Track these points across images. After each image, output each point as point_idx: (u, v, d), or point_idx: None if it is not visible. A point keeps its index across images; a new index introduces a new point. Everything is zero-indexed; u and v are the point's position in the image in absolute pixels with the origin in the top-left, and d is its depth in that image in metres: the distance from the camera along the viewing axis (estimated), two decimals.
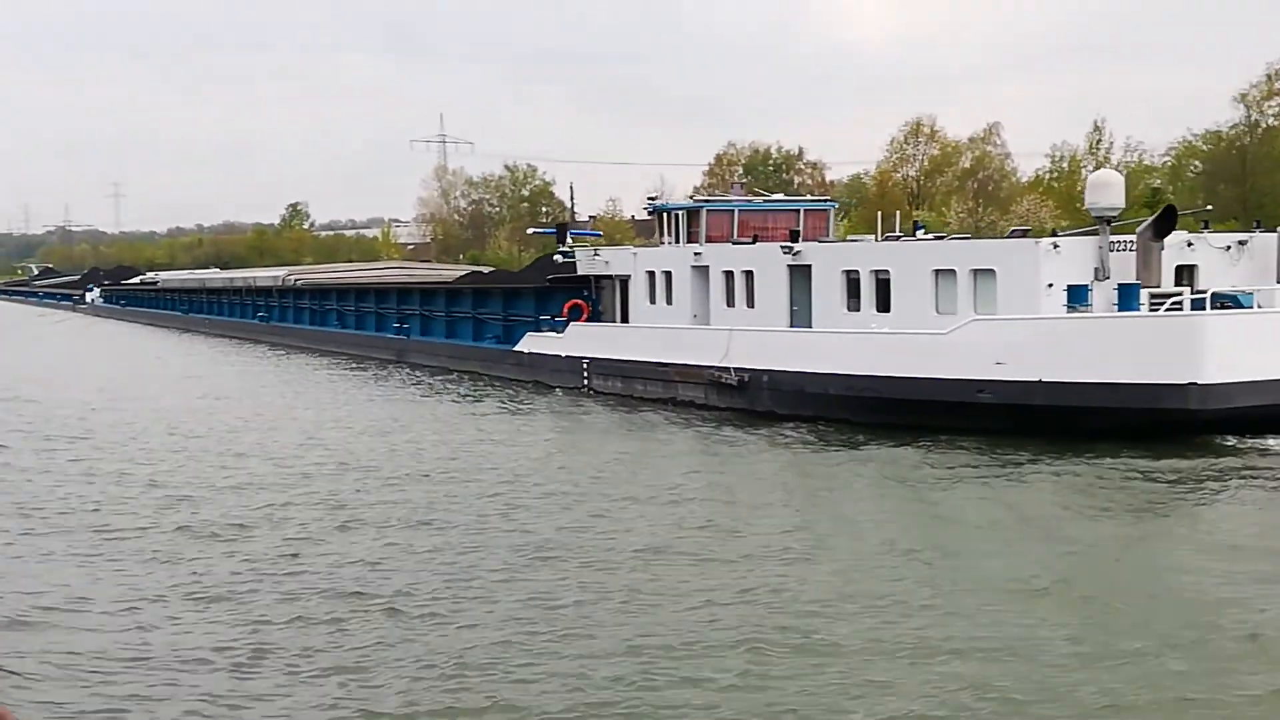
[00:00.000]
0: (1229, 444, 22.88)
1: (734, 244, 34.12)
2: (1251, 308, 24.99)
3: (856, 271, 29.15)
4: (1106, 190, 26.12)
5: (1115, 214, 26.11)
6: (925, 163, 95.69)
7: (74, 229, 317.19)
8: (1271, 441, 22.89)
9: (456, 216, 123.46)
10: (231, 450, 25.89)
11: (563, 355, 37.44)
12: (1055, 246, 25.69)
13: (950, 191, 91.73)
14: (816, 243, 31.56)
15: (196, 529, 18.16)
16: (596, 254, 39.06)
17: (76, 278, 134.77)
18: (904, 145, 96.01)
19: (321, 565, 15.84)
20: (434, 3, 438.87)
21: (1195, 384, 23.11)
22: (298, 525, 18.29)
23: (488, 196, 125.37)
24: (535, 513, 18.89)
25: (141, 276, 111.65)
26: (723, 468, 23.25)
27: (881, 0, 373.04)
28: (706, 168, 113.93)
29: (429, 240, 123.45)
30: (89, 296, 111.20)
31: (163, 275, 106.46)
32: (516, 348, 40.28)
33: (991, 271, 26.34)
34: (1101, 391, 23.79)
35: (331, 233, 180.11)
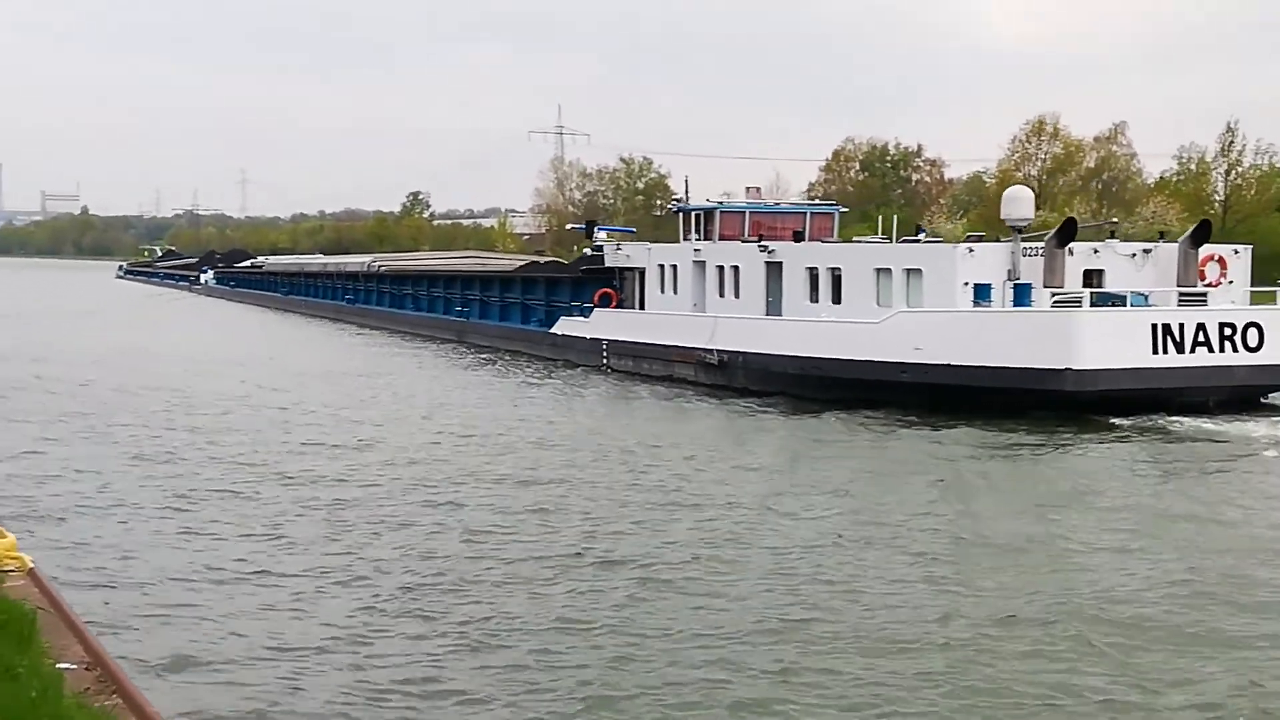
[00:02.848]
0: (1095, 420, 27.17)
1: (722, 242, 38.95)
2: (1142, 306, 29.23)
3: (817, 269, 33.91)
4: (1018, 204, 30.66)
5: (1025, 224, 30.54)
6: (1048, 162, 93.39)
7: (201, 213, 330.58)
8: (1130, 420, 27.11)
9: (571, 208, 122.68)
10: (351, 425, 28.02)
11: (588, 337, 42.62)
12: (970, 251, 30.18)
13: (1073, 192, 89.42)
14: (790, 242, 36.29)
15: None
16: (619, 248, 44.21)
17: (194, 260, 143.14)
18: (1025, 144, 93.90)
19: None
20: None
21: (1071, 369, 27.48)
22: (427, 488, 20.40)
23: (602, 188, 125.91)
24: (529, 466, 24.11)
25: (251, 260, 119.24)
26: (662, 424, 28.31)
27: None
28: (823, 163, 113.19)
29: (544, 231, 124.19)
30: (203, 278, 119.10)
31: (269, 259, 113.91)
32: (552, 330, 45.59)
33: (920, 271, 30.92)
34: (995, 374, 28.24)
35: (450, 221, 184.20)
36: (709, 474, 21.66)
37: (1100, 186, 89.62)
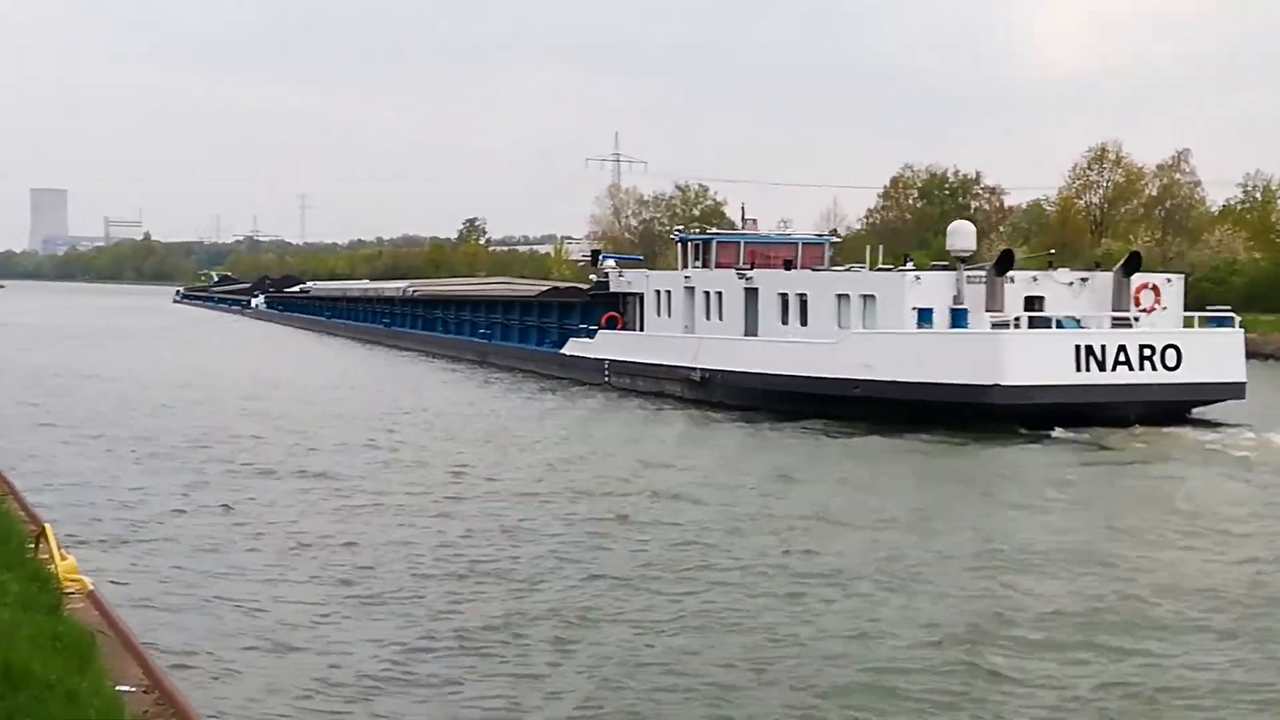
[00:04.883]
0: (1021, 433, 30.20)
1: (710, 270, 42.28)
2: (1071, 329, 32.25)
3: (787, 294, 37.22)
4: (961, 236, 33.87)
5: (968, 254, 33.70)
6: (1109, 189, 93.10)
7: (261, 239, 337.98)
8: (1058, 432, 30.12)
9: (628, 235, 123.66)
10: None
11: (592, 357, 46.06)
12: (918, 279, 33.37)
13: (1136, 220, 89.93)
14: (766, 270, 39.60)
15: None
16: (622, 274, 47.73)
17: (248, 285, 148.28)
18: (1087, 171, 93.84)
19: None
20: (615, 21, 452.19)
21: (999, 384, 30.56)
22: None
23: (658, 215, 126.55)
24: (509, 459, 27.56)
25: (300, 285, 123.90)
26: (630, 431, 31.69)
27: (1080, 24, 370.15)
28: (882, 190, 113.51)
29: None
30: (254, 302, 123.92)
31: (314, 285, 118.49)
32: (562, 351, 49.08)
33: (874, 296, 34.13)
34: (934, 389, 31.36)
35: (506, 248, 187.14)
36: (640, 468, 25.04)
37: (1163, 214, 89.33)
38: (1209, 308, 35.74)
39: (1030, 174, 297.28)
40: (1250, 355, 58.72)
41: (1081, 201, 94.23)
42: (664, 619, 13.93)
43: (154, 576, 15.71)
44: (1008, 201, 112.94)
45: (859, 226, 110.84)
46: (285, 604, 14.60)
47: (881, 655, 12.53)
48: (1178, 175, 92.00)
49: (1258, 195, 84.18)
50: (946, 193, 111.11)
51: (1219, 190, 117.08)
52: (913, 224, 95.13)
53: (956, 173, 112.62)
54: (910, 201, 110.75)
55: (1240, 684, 12.00)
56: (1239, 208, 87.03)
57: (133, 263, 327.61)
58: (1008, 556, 17.20)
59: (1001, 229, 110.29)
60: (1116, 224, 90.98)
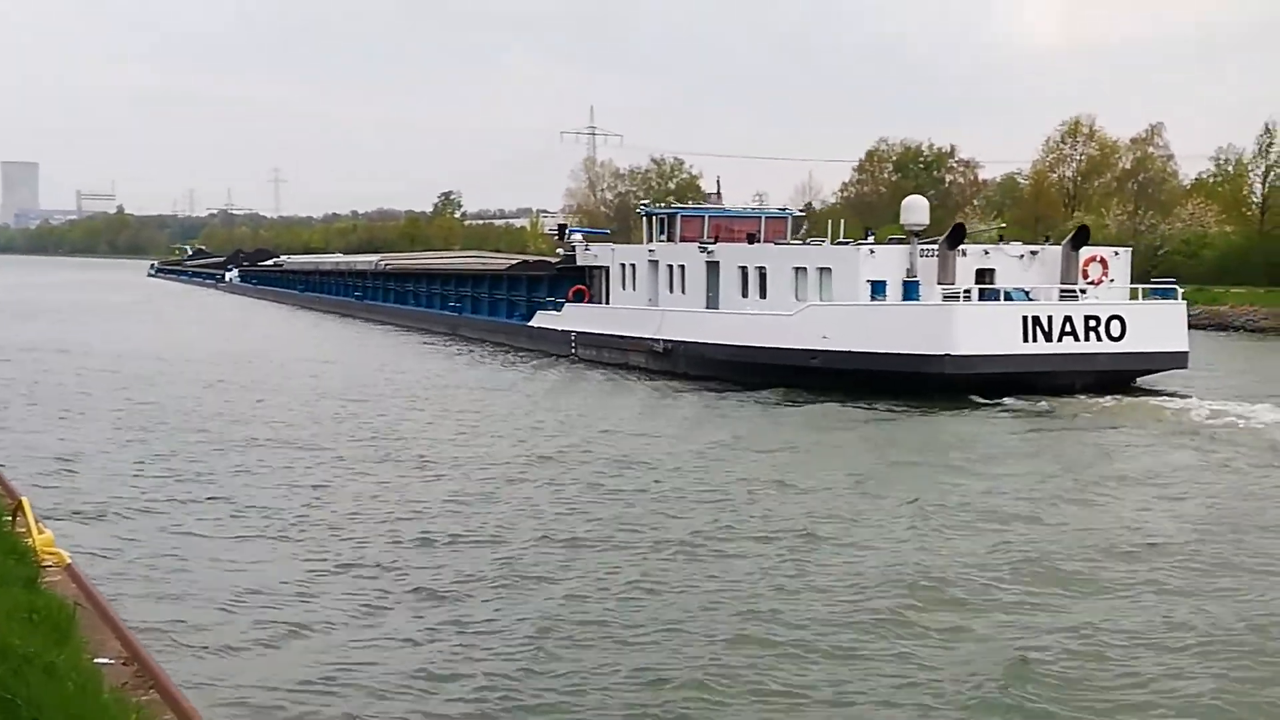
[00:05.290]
0: (971, 401, 31.23)
1: (673, 244, 43.12)
2: (1020, 301, 33.26)
3: (747, 267, 38.12)
4: (915, 211, 34.88)
5: (921, 229, 34.66)
6: (1083, 163, 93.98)
7: (235, 212, 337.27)
8: (1008, 401, 31.16)
9: (603, 208, 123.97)
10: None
11: (559, 329, 46.92)
12: (872, 253, 34.32)
13: (1109, 194, 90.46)
14: (727, 244, 40.51)
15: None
16: (588, 248, 48.53)
17: (222, 259, 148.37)
18: (1061, 145, 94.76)
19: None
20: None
21: (949, 354, 31.57)
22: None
23: (634, 189, 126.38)
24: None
25: (274, 259, 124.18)
26: (591, 402, 32.61)
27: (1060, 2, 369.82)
28: (856, 164, 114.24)
29: None
30: (228, 276, 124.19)
31: (287, 259, 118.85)
32: (530, 324, 49.90)
33: (829, 269, 35.07)
34: (887, 359, 32.34)
35: (481, 222, 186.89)
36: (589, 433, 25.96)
37: (1136, 188, 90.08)
38: (1154, 280, 36.84)
39: (1006, 149, 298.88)
40: (1221, 327, 60.49)
41: (1055, 175, 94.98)
42: (598, 578, 14.72)
43: (131, 550, 15.83)
44: (983, 176, 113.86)
45: (834, 200, 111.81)
46: (263, 576, 14.77)
47: (801, 610, 13.40)
48: (1151, 149, 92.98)
49: (1229, 169, 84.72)
50: (921, 166, 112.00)
51: (1192, 164, 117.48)
52: (888, 197, 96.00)
53: (931, 146, 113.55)
54: (885, 175, 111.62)
55: (1157, 634, 12.73)
56: (1211, 181, 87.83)
57: (106, 236, 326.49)
58: (941, 516, 18.13)
59: (976, 202, 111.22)
60: (1089, 198, 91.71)
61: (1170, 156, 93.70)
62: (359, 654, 12.10)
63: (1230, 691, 11.21)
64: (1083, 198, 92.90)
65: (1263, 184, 78.42)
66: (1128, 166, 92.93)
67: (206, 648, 12.12)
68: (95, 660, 8.27)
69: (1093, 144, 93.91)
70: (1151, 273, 71.41)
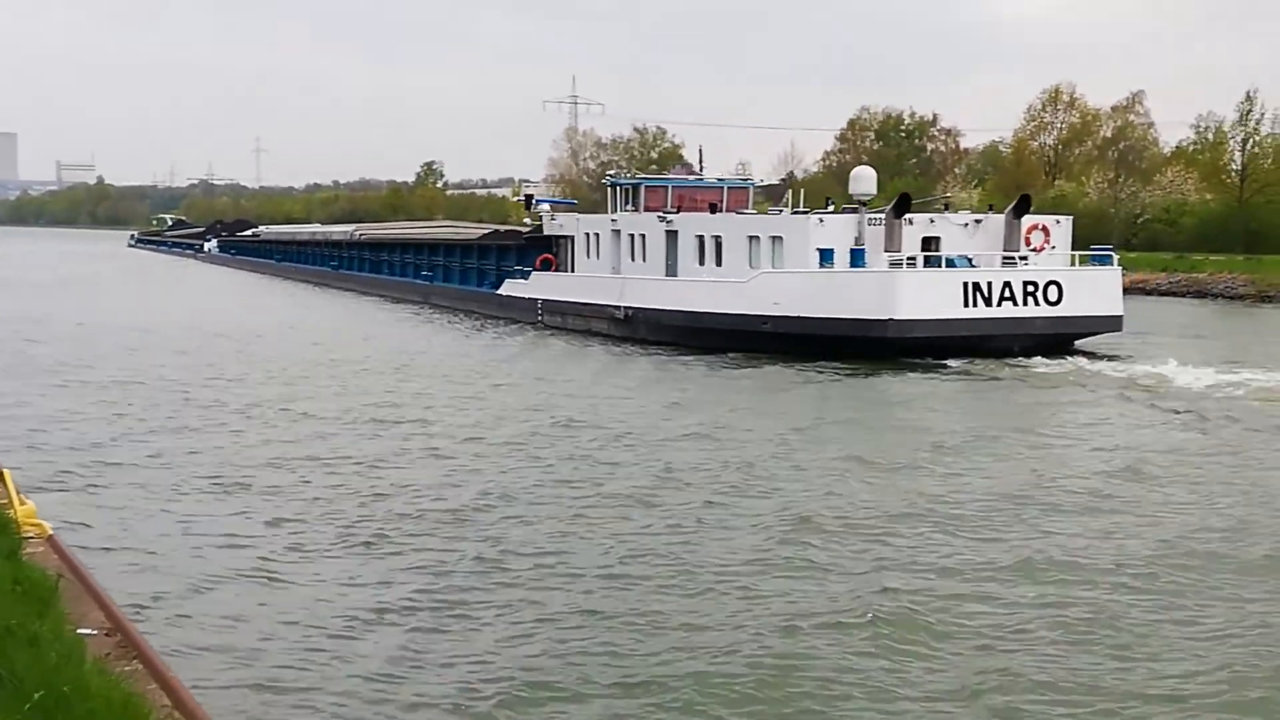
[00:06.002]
0: (915, 363, 32.59)
1: (636, 213, 44.37)
2: (963, 267, 34.62)
3: (704, 236, 39.42)
4: (863, 182, 36.33)
5: (869, 198, 36.02)
6: (1064, 131, 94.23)
7: (216, 183, 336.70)
8: (952, 363, 32.54)
9: (585, 178, 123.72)
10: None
11: (526, 297, 48.17)
12: (821, 221, 35.63)
13: (1090, 161, 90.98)
14: (686, 213, 41.78)
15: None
16: (554, 218, 49.75)
17: (201, 229, 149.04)
18: (1042, 113, 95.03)
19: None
20: None
21: (892, 319, 32.95)
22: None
23: (616, 158, 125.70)
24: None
25: (253, 230, 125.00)
26: (552, 366, 33.94)
27: None
28: (839, 132, 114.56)
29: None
30: (206, 246, 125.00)
31: (265, 229, 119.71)
32: (499, 292, 51.15)
33: (781, 238, 36.39)
34: (834, 324, 33.70)
35: (463, 192, 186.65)
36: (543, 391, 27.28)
37: (1116, 155, 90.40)
38: (1093, 247, 38.23)
39: (989, 117, 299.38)
40: (1199, 294, 61.68)
41: (1036, 143, 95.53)
42: (534, 520, 16.04)
43: (114, 521, 15.84)
44: (965, 144, 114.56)
45: (816, 169, 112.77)
46: (245, 546, 14.80)
47: (707, 550, 14.73)
48: (1131, 117, 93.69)
49: (1209, 137, 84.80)
50: (903, 135, 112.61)
51: (1172, 132, 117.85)
52: (869, 166, 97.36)
53: (913, 115, 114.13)
54: (867, 144, 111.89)
55: (1030, 568, 13.93)
56: (1191, 149, 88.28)
57: (86, 207, 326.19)
58: (859, 464, 19.50)
59: (957, 171, 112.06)
60: (1070, 165, 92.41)
61: (1151, 124, 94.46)
62: (342, 625, 12.11)
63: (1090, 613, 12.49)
64: (1064, 165, 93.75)
65: (1242, 152, 78.86)
66: (1108, 134, 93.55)
67: (189, 618, 12.17)
68: (78, 631, 8.28)
69: (1074, 112, 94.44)
70: (1133, 240, 73.33)
